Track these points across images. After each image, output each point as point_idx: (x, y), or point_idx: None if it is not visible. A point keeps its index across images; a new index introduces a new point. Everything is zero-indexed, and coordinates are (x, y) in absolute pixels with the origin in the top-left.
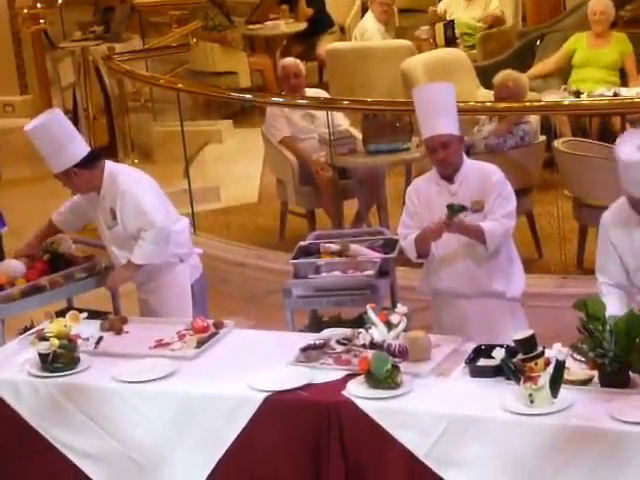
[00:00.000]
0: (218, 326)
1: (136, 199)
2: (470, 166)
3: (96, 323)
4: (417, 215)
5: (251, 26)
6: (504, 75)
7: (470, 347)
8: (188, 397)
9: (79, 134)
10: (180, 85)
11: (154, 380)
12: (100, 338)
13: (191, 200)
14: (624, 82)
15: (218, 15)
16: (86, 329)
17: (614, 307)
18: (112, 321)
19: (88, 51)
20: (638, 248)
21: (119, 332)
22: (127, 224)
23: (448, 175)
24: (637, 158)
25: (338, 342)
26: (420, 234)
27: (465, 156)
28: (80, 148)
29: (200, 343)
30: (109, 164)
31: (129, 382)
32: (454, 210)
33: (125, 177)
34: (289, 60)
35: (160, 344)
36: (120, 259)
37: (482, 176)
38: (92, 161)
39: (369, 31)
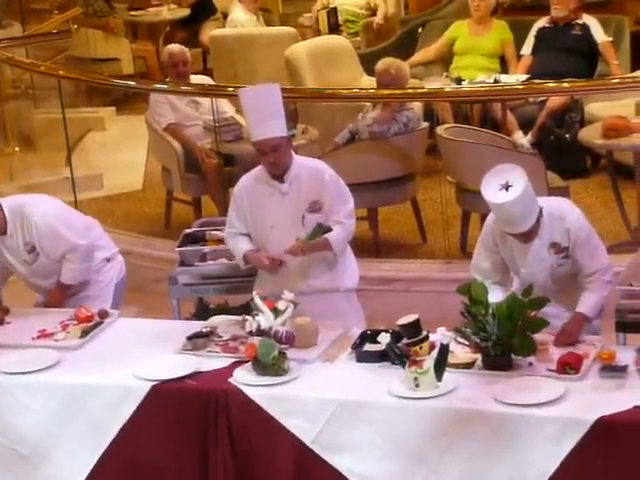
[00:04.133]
0: (102, 315)
1: (54, 228)
2: (300, 164)
3: None
4: (243, 216)
5: (133, 12)
6: (385, 62)
7: (356, 333)
8: (72, 388)
9: None
10: (61, 72)
11: (37, 371)
12: None
13: (74, 188)
14: (504, 69)
15: (98, 1)
16: None
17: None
18: None
19: None
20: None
21: (1, 323)
22: (50, 253)
23: (278, 175)
24: (501, 199)
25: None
26: (255, 259)
27: (294, 154)
28: None
29: (84, 333)
30: (3, 200)
31: (11, 373)
32: (323, 230)
33: (32, 207)
34: (176, 47)
35: (43, 334)
36: (45, 286)
37: (313, 174)
38: None
39: (242, 22)
